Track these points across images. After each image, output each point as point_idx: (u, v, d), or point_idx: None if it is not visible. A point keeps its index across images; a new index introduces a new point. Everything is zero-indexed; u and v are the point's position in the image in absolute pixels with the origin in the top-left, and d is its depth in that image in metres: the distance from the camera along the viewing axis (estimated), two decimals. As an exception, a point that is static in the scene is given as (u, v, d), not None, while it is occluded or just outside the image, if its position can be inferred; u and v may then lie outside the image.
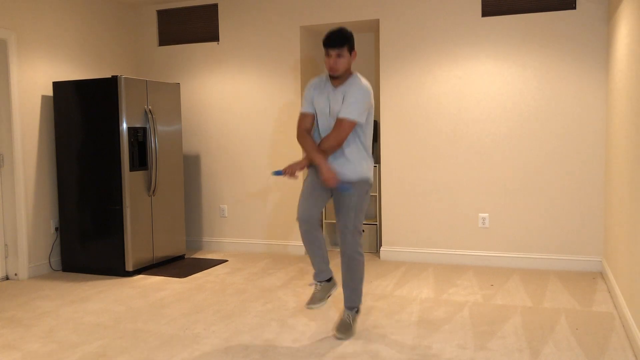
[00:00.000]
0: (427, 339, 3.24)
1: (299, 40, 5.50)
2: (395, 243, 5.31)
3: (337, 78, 3.14)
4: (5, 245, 4.81)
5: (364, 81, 3.15)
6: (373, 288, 4.32)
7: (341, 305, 3.73)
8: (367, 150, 3.22)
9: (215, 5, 5.79)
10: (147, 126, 5.00)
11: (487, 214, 5.00)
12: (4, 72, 4.67)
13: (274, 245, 5.73)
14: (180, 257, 5.49)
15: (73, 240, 5.03)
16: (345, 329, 3.26)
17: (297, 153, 5.55)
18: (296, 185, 5.57)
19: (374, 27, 5.61)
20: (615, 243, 3.94)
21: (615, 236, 3.98)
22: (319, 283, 3.26)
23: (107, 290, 4.42)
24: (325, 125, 3.20)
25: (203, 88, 5.92)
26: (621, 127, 3.78)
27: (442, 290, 4.24)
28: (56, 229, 5.12)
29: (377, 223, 5.64)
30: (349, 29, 3.11)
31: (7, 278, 4.82)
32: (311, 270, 4.93)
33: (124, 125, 4.77)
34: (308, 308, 3.25)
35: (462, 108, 5.02)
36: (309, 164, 3.22)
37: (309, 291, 4.27)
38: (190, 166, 6.02)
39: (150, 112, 5.02)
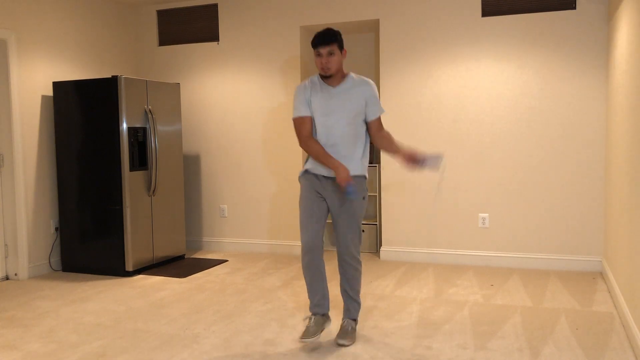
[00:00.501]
0: (427, 339, 3.24)
1: (299, 40, 5.50)
2: (395, 243, 5.31)
3: (330, 77, 3.08)
4: (5, 245, 4.81)
5: (365, 78, 3.19)
6: (373, 288, 4.32)
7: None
8: (362, 147, 3.22)
9: (215, 5, 5.79)
10: (147, 126, 5.00)
11: (487, 214, 5.00)
12: (4, 72, 4.67)
13: (274, 245, 5.73)
14: (180, 257, 5.49)
15: (73, 240, 5.03)
16: (347, 335, 3.19)
17: (297, 153, 5.56)
18: (297, 185, 5.57)
19: (374, 27, 5.61)
20: (615, 243, 3.94)
21: (615, 236, 3.98)
22: (313, 317, 3.20)
23: (107, 290, 4.42)
24: (326, 126, 3.11)
25: (203, 88, 5.92)
26: (621, 126, 3.78)
27: (442, 290, 4.24)
28: (56, 229, 5.12)
29: (377, 223, 5.64)
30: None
31: (7, 278, 4.83)
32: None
33: (124, 125, 4.77)
34: (301, 342, 3.18)
35: (462, 108, 5.02)
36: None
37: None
38: (190, 166, 6.02)
39: (150, 112, 5.02)
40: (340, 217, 3.15)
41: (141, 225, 4.95)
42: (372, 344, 3.18)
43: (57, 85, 5.00)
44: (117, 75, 4.76)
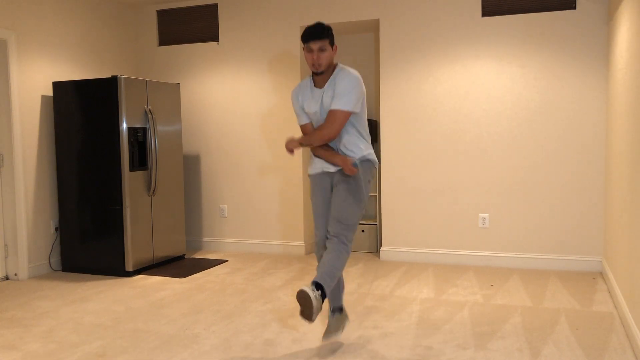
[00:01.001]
0: (427, 339, 3.24)
1: (299, 41, 5.50)
2: (395, 243, 5.31)
3: (321, 74, 2.99)
4: (5, 245, 4.81)
5: (351, 69, 2.99)
6: (373, 288, 4.32)
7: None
8: (367, 139, 3.09)
9: (215, 5, 5.79)
10: (147, 126, 5.00)
11: (487, 214, 5.00)
12: (4, 72, 4.67)
13: (274, 245, 5.73)
14: (180, 257, 5.49)
15: (73, 240, 5.03)
16: (331, 328, 3.14)
17: (296, 152, 5.55)
18: (297, 185, 5.57)
19: (374, 27, 5.60)
20: (615, 243, 3.94)
21: (615, 236, 3.98)
22: (332, 314, 3.18)
23: (107, 290, 4.42)
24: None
25: (203, 88, 5.92)
26: (621, 127, 3.78)
27: (442, 290, 4.24)
28: (56, 229, 5.12)
29: (377, 223, 5.63)
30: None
31: (7, 278, 4.82)
32: (312, 270, 4.93)
33: (124, 125, 4.77)
34: (324, 340, 3.17)
35: (462, 108, 5.02)
36: (301, 146, 3.09)
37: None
38: (190, 166, 6.01)
39: (150, 112, 5.02)
40: (336, 195, 3.02)
41: (141, 225, 4.95)
42: (372, 344, 3.18)
43: (57, 85, 5.00)
44: (117, 75, 4.76)
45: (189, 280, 4.69)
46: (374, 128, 5.60)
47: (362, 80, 3.00)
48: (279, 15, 5.56)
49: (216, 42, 5.82)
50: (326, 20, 5.35)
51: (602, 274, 4.62)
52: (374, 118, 5.85)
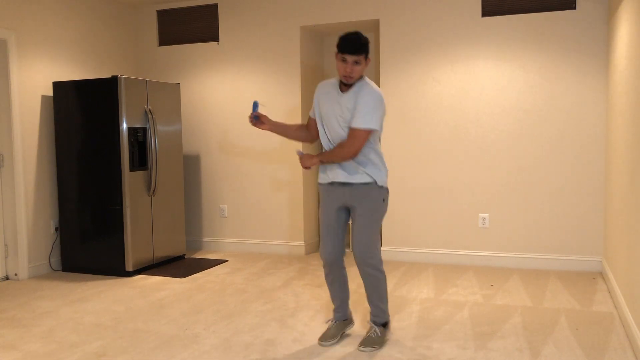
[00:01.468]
0: (427, 339, 3.24)
1: (299, 40, 5.50)
2: (395, 243, 5.31)
3: (350, 85, 2.99)
4: (5, 245, 4.81)
5: (375, 86, 2.99)
6: (373, 288, 4.32)
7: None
8: (382, 158, 3.09)
9: (215, 5, 5.79)
10: (147, 126, 5.00)
11: (487, 214, 5.00)
12: (4, 72, 4.67)
13: (274, 245, 5.73)
14: (180, 257, 5.49)
15: (73, 240, 5.03)
16: (369, 342, 3.11)
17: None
18: (297, 185, 5.57)
19: (374, 27, 5.60)
20: (615, 243, 3.94)
21: (615, 236, 3.98)
22: (334, 322, 3.24)
23: (107, 290, 4.42)
24: (323, 130, 3.10)
25: (203, 88, 5.92)
26: (621, 127, 3.78)
27: (442, 290, 4.24)
28: (56, 229, 5.12)
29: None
30: (364, 34, 2.97)
31: (7, 278, 4.82)
32: (312, 270, 4.94)
33: (124, 125, 4.77)
34: (320, 344, 3.17)
35: (462, 108, 5.02)
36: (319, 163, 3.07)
37: (309, 291, 4.27)
38: (190, 166, 6.02)
39: (150, 112, 5.02)
40: (356, 220, 3.05)
41: (141, 225, 4.95)
42: (372, 344, 3.18)
43: (57, 85, 5.00)
44: (117, 75, 4.76)
45: (189, 280, 4.69)
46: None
47: (384, 99, 2.99)
48: (279, 15, 5.56)
49: (216, 42, 5.82)
50: (326, 20, 5.36)
51: (602, 274, 4.62)
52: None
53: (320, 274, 4.77)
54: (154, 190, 5.08)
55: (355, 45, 2.87)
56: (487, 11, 4.91)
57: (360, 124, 2.90)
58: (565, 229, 4.79)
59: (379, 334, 3.14)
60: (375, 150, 3.06)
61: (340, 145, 2.97)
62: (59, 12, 5.14)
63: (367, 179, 3.03)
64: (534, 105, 4.82)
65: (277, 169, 5.66)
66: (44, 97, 5.01)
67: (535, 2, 4.76)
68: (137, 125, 4.90)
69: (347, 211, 3.14)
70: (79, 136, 4.94)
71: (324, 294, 4.16)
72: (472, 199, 5.04)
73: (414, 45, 5.13)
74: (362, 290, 4.24)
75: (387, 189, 3.11)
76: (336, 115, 3.01)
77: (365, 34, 5.91)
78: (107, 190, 4.85)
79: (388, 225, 5.32)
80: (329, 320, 3.31)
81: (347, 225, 3.19)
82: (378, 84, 5.63)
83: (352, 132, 2.92)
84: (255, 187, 5.76)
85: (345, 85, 3.00)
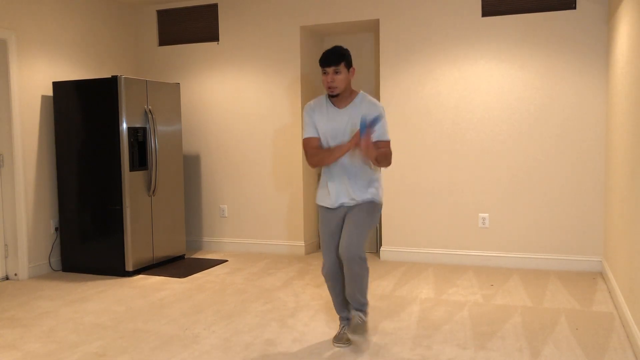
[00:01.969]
0: (427, 339, 3.24)
1: (299, 40, 5.50)
2: (395, 243, 5.31)
3: (337, 97, 3.01)
4: (5, 245, 4.81)
5: (373, 99, 3.06)
6: (373, 288, 4.32)
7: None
8: (380, 170, 3.16)
9: (215, 5, 5.79)
10: (147, 126, 5.00)
11: (487, 214, 5.00)
12: (4, 72, 4.67)
13: (274, 245, 5.73)
14: (180, 257, 5.49)
15: (73, 240, 5.03)
16: (360, 329, 3.17)
17: (297, 152, 5.56)
18: (297, 185, 5.57)
19: (374, 27, 5.60)
20: (615, 243, 3.94)
21: (615, 236, 3.98)
22: (344, 323, 3.25)
23: (107, 290, 4.42)
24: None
25: (203, 88, 5.92)
26: (621, 127, 3.78)
27: (442, 291, 4.24)
28: (56, 229, 5.12)
29: (377, 223, 5.63)
30: (345, 46, 3.03)
31: (7, 278, 4.82)
32: (312, 270, 4.94)
33: (124, 125, 4.77)
34: (335, 346, 3.17)
35: (462, 108, 5.02)
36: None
37: (309, 291, 4.27)
38: (190, 166, 6.01)
39: (150, 112, 5.02)
40: (350, 221, 3.07)
41: (141, 225, 4.95)
42: (372, 344, 3.18)
43: (57, 85, 5.00)
44: (117, 75, 4.76)
45: (189, 280, 4.69)
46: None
47: None
48: (279, 15, 5.56)
49: (216, 42, 5.82)
50: (326, 20, 5.36)
51: (602, 274, 4.62)
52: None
53: (320, 273, 4.77)
54: (154, 190, 5.08)
55: (330, 57, 2.97)
56: (487, 11, 4.91)
57: (384, 137, 3.02)
58: (565, 229, 4.79)
59: (364, 319, 3.16)
60: (379, 169, 3.16)
61: (387, 155, 3.00)
62: (59, 12, 5.14)
63: (371, 199, 3.09)
64: (533, 105, 4.82)
65: (277, 169, 5.66)
66: (44, 97, 5.01)
67: (535, 2, 4.76)
68: (137, 125, 4.90)
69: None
70: (79, 136, 4.94)
71: (324, 293, 4.16)
72: (472, 199, 5.04)
73: (414, 45, 5.13)
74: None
75: (382, 204, 3.20)
76: (344, 130, 3.02)
77: (365, 34, 5.95)
78: (107, 190, 4.85)
79: (388, 225, 5.32)
80: (342, 326, 3.29)
81: None
82: (378, 83, 5.63)
83: (386, 143, 3.03)
84: (255, 187, 5.76)
85: (334, 98, 3.03)
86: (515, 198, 4.91)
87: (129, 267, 4.83)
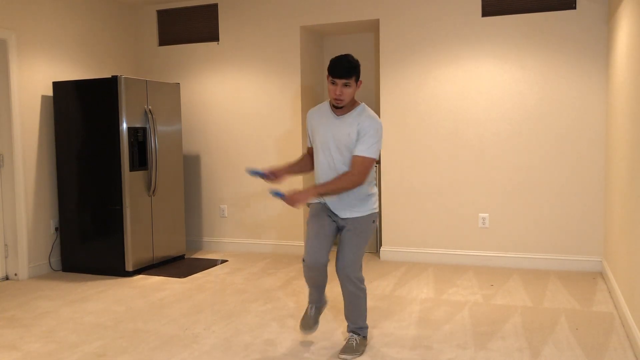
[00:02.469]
0: (427, 339, 3.24)
1: (299, 40, 5.50)
2: (395, 243, 5.31)
3: (341, 108, 2.95)
4: (5, 245, 4.81)
5: (374, 114, 2.97)
6: (373, 288, 4.32)
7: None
8: (374, 181, 3.10)
9: (215, 5, 5.79)
10: (147, 126, 5.00)
11: (487, 214, 5.00)
12: (4, 72, 4.67)
13: (273, 245, 5.73)
14: (180, 257, 5.49)
15: (73, 240, 5.03)
16: (350, 350, 3.05)
17: (297, 152, 5.55)
18: (297, 185, 5.57)
19: (374, 27, 5.60)
20: (615, 243, 3.94)
21: (615, 236, 3.98)
22: (312, 307, 3.18)
23: (107, 290, 4.42)
24: (323, 155, 2.99)
25: (203, 88, 5.92)
26: (621, 127, 3.78)
27: (442, 291, 4.24)
28: (56, 229, 5.12)
29: (377, 223, 5.63)
30: (356, 57, 2.92)
31: (7, 278, 4.82)
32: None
33: (124, 125, 4.77)
34: (302, 332, 3.19)
35: (462, 108, 5.02)
36: (311, 199, 2.99)
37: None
38: (190, 166, 6.02)
39: (150, 112, 5.02)
40: (345, 237, 3.01)
41: (141, 225, 4.95)
42: (372, 344, 3.18)
43: (57, 85, 5.00)
44: (117, 75, 4.76)
45: (189, 280, 4.69)
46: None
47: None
48: (279, 15, 5.56)
49: (216, 42, 5.82)
50: (326, 20, 5.36)
51: (602, 274, 4.62)
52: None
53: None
54: (154, 190, 5.08)
55: (344, 68, 2.84)
56: (487, 11, 4.91)
57: (367, 152, 2.86)
58: (565, 229, 4.79)
59: (359, 342, 3.09)
60: (373, 183, 3.09)
61: (347, 175, 2.86)
62: (59, 12, 5.14)
63: (366, 214, 3.02)
64: (534, 105, 4.82)
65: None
66: (44, 97, 5.01)
67: (535, 2, 4.76)
68: (137, 125, 4.90)
69: (337, 225, 3.06)
70: (79, 136, 4.94)
71: (324, 294, 4.15)
72: (472, 199, 5.04)
73: (414, 45, 5.13)
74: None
75: (378, 212, 3.12)
76: (335, 139, 2.95)
77: (365, 34, 5.95)
78: (107, 190, 4.85)
79: (388, 225, 5.32)
80: (311, 307, 3.21)
81: (334, 238, 3.08)
82: (378, 83, 5.63)
83: (360, 159, 2.85)
84: (255, 187, 5.76)
85: (338, 109, 2.95)
86: (515, 198, 4.91)
87: (129, 267, 4.83)
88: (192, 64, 5.94)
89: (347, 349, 3.06)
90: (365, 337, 3.15)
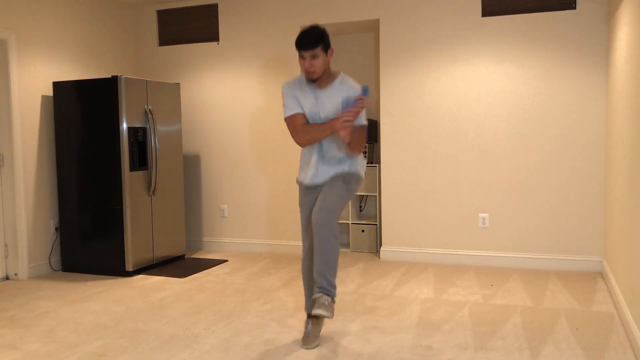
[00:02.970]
0: (427, 339, 3.24)
1: (299, 40, 5.49)
2: (395, 243, 5.31)
3: (317, 80, 2.94)
4: (5, 245, 4.81)
5: (353, 80, 3.03)
6: (373, 288, 4.32)
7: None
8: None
9: (215, 5, 5.79)
10: (147, 126, 5.00)
11: (487, 214, 5.00)
12: (4, 72, 4.67)
13: (274, 245, 5.73)
14: (180, 257, 5.49)
15: (73, 240, 5.03)
16: (324, 307, 2.87)
17: (296, 152, 5.55)
18: (296, 185, 5.57)
19: (374, 27, 5.60)
20: (615, 243, 3.94)
21: (615, 236, 3.98)
22: (310, 321, 3.19)
23: (107, 290, 4.42)
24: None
25: (203, 88, 5.92)
26: (621, 127, 3.78)
27: (442, 290, 4.24)
28: (56, 229, 5.12)
29: (377, 223, 5.63)
30: (322, 26, 2.89)
31: (7, 278, 4.82)
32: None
33: (124, 125, 4.77)
34: (303, 349, 3.12)
35: (462, 108, 5.02)
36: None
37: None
38: (190, 166, 6.02)
39: (150, 112, 5.02)
40: (325, 189, 2.99)
41: (141, 225, 4.95)
42: (372, 344, 3.18)
43: (57, 85, 5.00)
44: (117, 75, 4.76)
45: (189, 280, 4.69)
46: (373, 128, 5.60)
47: None
48: (279, 16, 5.56)
49: (216, 42, 5.82)
50: (326, 20, 5.35)
51: (602, 274, 4.62)
52: (373, 118, 5.84)
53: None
54: (154, 190, 5.08)
55: (307, 39, 2.84)
56: (487, 11, 4.91)
57: (362, 121, 2.99)
58: (565, 229, 4.80)
59: (329, 303, 2.90)
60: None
61: (360, 141, 2.97)
62: (59, 12, 5.14)
63: (348, 170, 3.08)
64: (533, 105, 4.82)
65: (277, 168, 5.66)
66: (44, 97, 5.01)
67: (535, 2, 4.76)
68: (137, 125, 4.90)
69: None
70: (79, 136, 4.94)
71: (324, 294, 4.15)
72: (472, 199, 5.04)
73: (414, 45, 5.13)
74: (362, 290, 4.24)
75: (361, 178, 3.14)
76: (324, 112, 2.99)
77: (365, 34, 5.95)
78: (107, 190, 4.85)
79: (388, 225, 5.32)
80: (306, 322, 3.23)
81: None
82: (378, 83, 5.63)
83: (360, 129, 2.98)
84: (255, 187, 5.76)
85: (316, 82, 2.94)
86: (515, 198, 4.91)
87: (129, 267, 4.83)
88: (192, 64, 5.94)
89: (321, 305, 2.85)
90: (334, 301, 2.96)
